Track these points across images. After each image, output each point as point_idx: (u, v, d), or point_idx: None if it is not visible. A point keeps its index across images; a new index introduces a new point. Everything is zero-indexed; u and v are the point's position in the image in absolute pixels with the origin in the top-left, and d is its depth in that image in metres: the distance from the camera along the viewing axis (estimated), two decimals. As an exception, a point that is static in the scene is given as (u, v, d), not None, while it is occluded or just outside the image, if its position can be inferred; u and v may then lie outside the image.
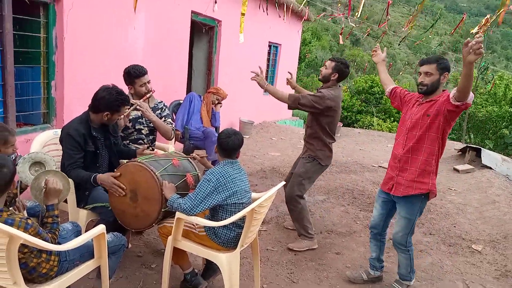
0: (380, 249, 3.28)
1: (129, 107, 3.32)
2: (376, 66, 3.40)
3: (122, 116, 3.22)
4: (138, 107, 3.32)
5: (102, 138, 2.95)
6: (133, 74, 3.42)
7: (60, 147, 2.91)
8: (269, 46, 9.97)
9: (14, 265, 1.84)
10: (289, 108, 3.69)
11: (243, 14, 2.80)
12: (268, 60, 10.18)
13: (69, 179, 2.54)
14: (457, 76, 15.67)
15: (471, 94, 2.58)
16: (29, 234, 1.86)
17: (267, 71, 10.23)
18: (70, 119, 2.97)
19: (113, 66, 4.68)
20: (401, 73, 41.64)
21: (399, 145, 2.99)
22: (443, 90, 2.85)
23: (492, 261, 3.96)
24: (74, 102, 4.15)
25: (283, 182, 2.85)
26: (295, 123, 12.35)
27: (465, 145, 8.54)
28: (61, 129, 2.86)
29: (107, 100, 2.78)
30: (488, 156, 7.56)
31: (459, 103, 2.57)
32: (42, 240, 1.93)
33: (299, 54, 13.59)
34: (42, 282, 2.06)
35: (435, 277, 3.56)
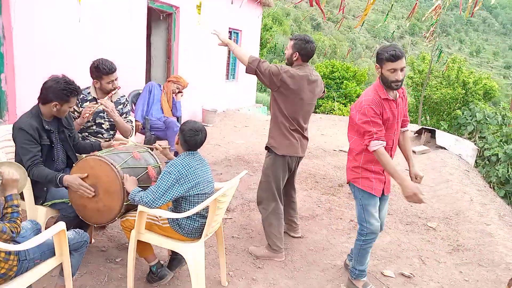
0: None
1: (94, 103, 3.27)
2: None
3: (87, 115, 3.17)
4: (103, 106, 3.26)
5: (56, 132, 2.86)
6: (102, 70, 3.31)
7: (13, 143, 2.79)
8: (230, 32, 9.90)
9: (-31, 268, 1.79)
10: (247, 70, 3.18)
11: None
12: (229, 46, 10.12)
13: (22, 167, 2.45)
14: (413, 60, 16.20)
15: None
16: None
17: (228, 57, 10.18)
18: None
19: (67, 57, 4.52)
20: (361, 57, 42.54)
21: (386, 149, 2.73)
22: None
23: (445, 237, 4.20)
24: (28, 95, 3.99)
25: (245, 171, 2.89)
26: (259, 110, 12.41)
27: (421, 127, 8.91)
28: (12, 127, 2.74)
29: (54, 89, 2.67)
30: (442, 137, 7.94)
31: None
32: None
33: (260, 40, 13.59)
34: (1, 283, 2.01)
35: (393, 255, 3.75)
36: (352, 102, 18.33)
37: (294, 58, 3.23)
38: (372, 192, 2.85)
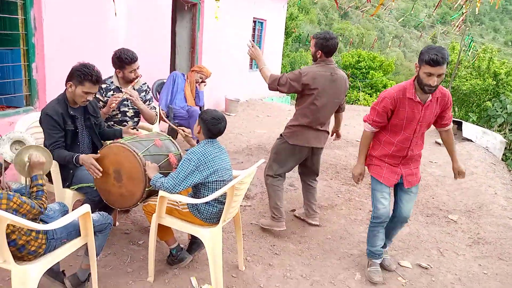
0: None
1: (119, 93, 3.41)
2: None
3: (113, 104, 3.30)
4: (128, 95, 3.39)
5: (82, 118, 2.99)
6: (125, 60, 3.42)
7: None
8: (254, 22, 9.90)
9: (3, 244, 1.93)
10: (270, 89, 3.50)
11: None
12: (253, 36, 10.13)
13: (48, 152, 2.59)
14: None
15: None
16: (13, 203, 1.97)
17: (252, 47, 10.19)
18: (52, 101, 3.00)
19: (95, 46, 4.67)
20: (389, 47, 41.60)
21: (401, 148, 2.92)
22: None
23: (466, 229, 4.16)
24: (57, 84, 4.15)
25: (263, 160, 2.95)
26: (282, 99, 12.40)
27: (447, 118, 8.70)
28: (40, 112, 2.89)
29: (73, 70, 2.80)
30: (469, 129, 7.74)
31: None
32: (29, 206, 2.03)
33: (286, 29, 13.52)
34: (31, 259, 2.16)
35: (411, 246, 3.74)
36: (378, 92, 18.04)
37: (318, 56, 3.45)
38: (380, 180, 3.02)
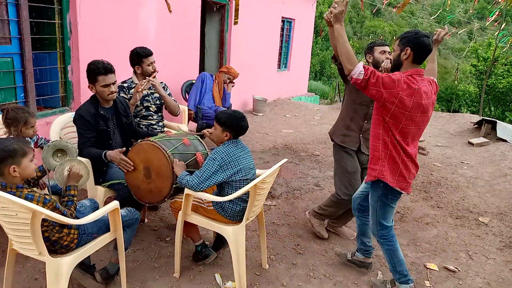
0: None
1: (142, 81, 3.56)
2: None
3: (140, 89, 3.45)
4: (151, 82, 3.54)
5: (113, 118, 3.13)
6: (142, 54, 3.62)
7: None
8: (282, 21, 9.91)
9: (38, 237, 2.06)
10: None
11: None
12: (282, 36, 10.14)
13: (89, 169, 2.73)
14: (477, 47, 15.14)
15: (358, 68, 2.34)
16: (47, 208, 2.07)
17: (280, 47, 10.21)
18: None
19: (126, 47, 4.81)
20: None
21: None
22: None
23: (497, 233, 4.04)
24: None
25: (285, 159, 2.98)
26: (311, 99, 12.35)
27: (481, 118, 8.43)
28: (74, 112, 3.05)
29: (86, 73, 2.98)
30: (504, 128, 7.48)
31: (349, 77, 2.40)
32: (60, 213, 2.14)
33: (315, 28, 13.43)
34: (64, 252, 2.28)
35: (438, 248, 3.68)
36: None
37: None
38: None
